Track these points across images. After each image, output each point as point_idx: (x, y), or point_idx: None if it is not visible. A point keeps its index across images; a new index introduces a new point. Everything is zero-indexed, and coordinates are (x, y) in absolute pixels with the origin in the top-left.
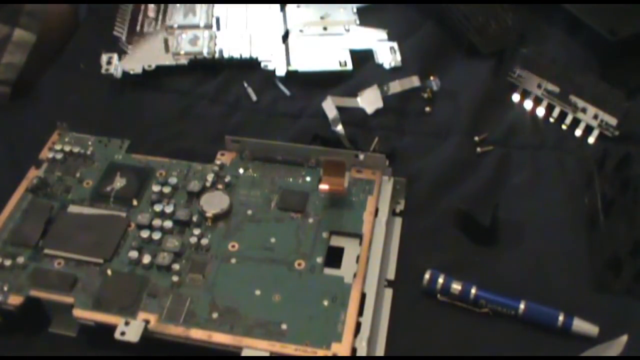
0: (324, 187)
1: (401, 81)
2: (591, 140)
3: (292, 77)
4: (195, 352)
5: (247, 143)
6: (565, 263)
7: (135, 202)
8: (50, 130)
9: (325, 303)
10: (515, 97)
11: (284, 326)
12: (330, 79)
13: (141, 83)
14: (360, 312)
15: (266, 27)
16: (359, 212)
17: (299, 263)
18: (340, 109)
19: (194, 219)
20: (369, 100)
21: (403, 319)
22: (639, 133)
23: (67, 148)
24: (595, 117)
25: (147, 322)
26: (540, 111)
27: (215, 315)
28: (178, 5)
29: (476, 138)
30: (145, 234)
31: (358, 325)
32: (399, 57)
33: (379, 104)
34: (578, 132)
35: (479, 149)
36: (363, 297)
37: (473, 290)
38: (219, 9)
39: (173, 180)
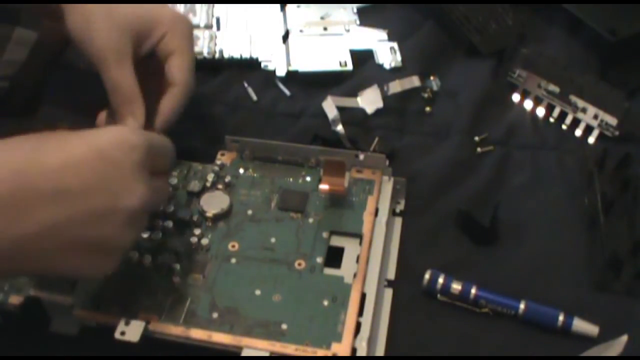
0: (324, 187)
1: (401, 81)
2: (591, 140)
3: (292, 77)
4: (195, 352)
5: (247, 143)
6: (565, 263)
7: None
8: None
9: (325, 303)
10: (515, 97)
11: (284, 326)
12: (330, 79)
13: None
14: (360, 312)
15: (266, 27)
16: (359, 212)
17: (299, 263)
18: (340, 109)
19: (194, 219)
20: (369, 100)
21: (403, 319)
22: (639, 133)
23: None
24: (595, 117)
25: (147, 322)
26: (540, 111)
27: (215, 315)
28: (178, 5)
29: (476, 138)
30: (145, 234)
31: (358, 325)
32: (399, 57)
33: (379, 104)
34: (578, 132)
35: (479, 149)
36: (363, 297)
37: (473, 290)
38: (219, 9)
39: (173, 180)
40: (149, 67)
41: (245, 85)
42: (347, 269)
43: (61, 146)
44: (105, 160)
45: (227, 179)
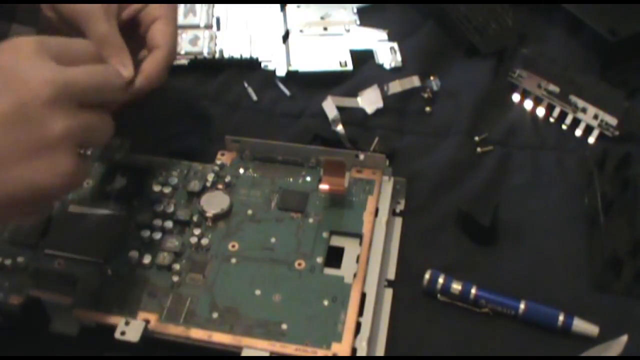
0: (324, 187)
1: (401, 81)
2: (591, 140)
3: (293, 77)
4: (195, 352)
5: (247, 143)
6: (565, 263)
7: (135, 202)
8: None
9: (325, 303)
10: (515, 97)
11: (284, 326)
12: (330, 79)
13: None
14: (360, 312)
15: (266, 27)
16: (359, 212)
17: (299, 263)
18: (340, 109)
19: (194, 219)
20: (369, 100)
21: (403, 319)
22: (639, 133)
23: None
24: (595, 117)
25: (147, 322)
26: (540, 111)
27: (215, 315)
28: (178, 5)
29: (476, 138)
30: (145, 234)
31: (358, 325)
32: (399, 57)
33: (379, 104)
34: (578, 132)
35: (479, 149)
36: (363, 297)
37: (473, 290)
38: (219, 9)
39: (173, 180)
40: (128, 35)
41: (245, 85)
42: (347, 269)
43: None
44: None
45: (227, 179)
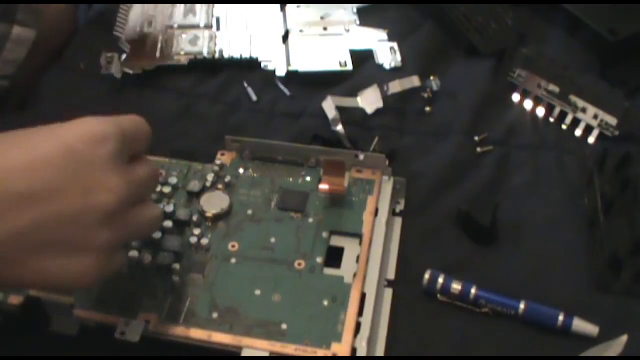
0: (324, 187)
1: (401, 81)
2: (591, 140)
3: (293, 77)
4: (195, 352)
5: (247, 143)
6: (565, 263)
7: None
8: None
9: (325, 303)
10: (515, 97)
11: (284, 326)
12: (330, 79)
13: (141, 83)
14: (360, 312)
15: (266, 27)
16: (359, 212)
17: (299, 263)
18: (340, 109)
19: (194, 219)
20: (369, 100)
21: (403, 319)
22: (639, 133)
23: None
24: (595, 117)
25: (147, 322)
26: (540, 111)
27: (215, 315)
28: (178, 5)
29: (476, 138)
30: None
31: (358, 325)
32: (399, 58)
33: (379, 104)
34: (578, 132)
35: (479, 149)
36: (363, 297)
37: (473, 290)
38: (219, 9)
39: (173, 180)
40: None
41: (245, 85)
42: (347, 269)
43: (25, 145)
44: (74, 157)
45: (227, 179)
